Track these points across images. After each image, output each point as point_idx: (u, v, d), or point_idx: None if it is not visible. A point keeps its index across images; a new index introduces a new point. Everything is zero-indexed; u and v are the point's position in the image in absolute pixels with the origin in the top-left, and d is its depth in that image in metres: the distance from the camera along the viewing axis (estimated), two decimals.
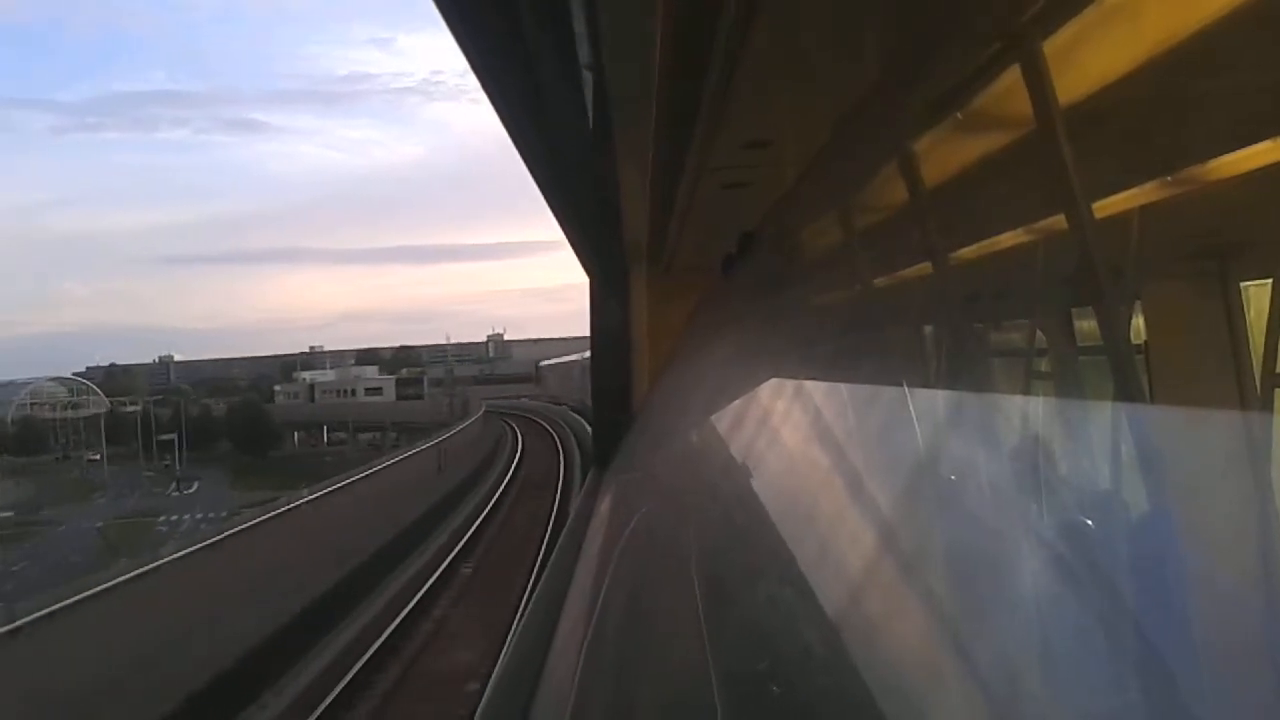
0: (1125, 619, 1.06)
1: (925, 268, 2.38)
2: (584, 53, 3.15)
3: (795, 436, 3.22)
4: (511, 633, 11.37)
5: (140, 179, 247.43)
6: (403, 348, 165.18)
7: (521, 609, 13.84)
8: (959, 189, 2.20)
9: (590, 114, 3.86)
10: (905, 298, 2.73)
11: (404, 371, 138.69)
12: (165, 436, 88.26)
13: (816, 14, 2.62)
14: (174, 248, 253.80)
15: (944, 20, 2.14)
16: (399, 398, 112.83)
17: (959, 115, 2.08)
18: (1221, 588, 0.98)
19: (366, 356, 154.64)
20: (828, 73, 2.97)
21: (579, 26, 2.95)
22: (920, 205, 2.32)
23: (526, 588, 18.65)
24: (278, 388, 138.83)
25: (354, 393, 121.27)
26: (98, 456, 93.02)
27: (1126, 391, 1.25)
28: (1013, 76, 1.62)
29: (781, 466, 3.18)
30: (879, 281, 3.05)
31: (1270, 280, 1.18)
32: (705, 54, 3.13)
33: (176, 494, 70.81)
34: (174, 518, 57.55)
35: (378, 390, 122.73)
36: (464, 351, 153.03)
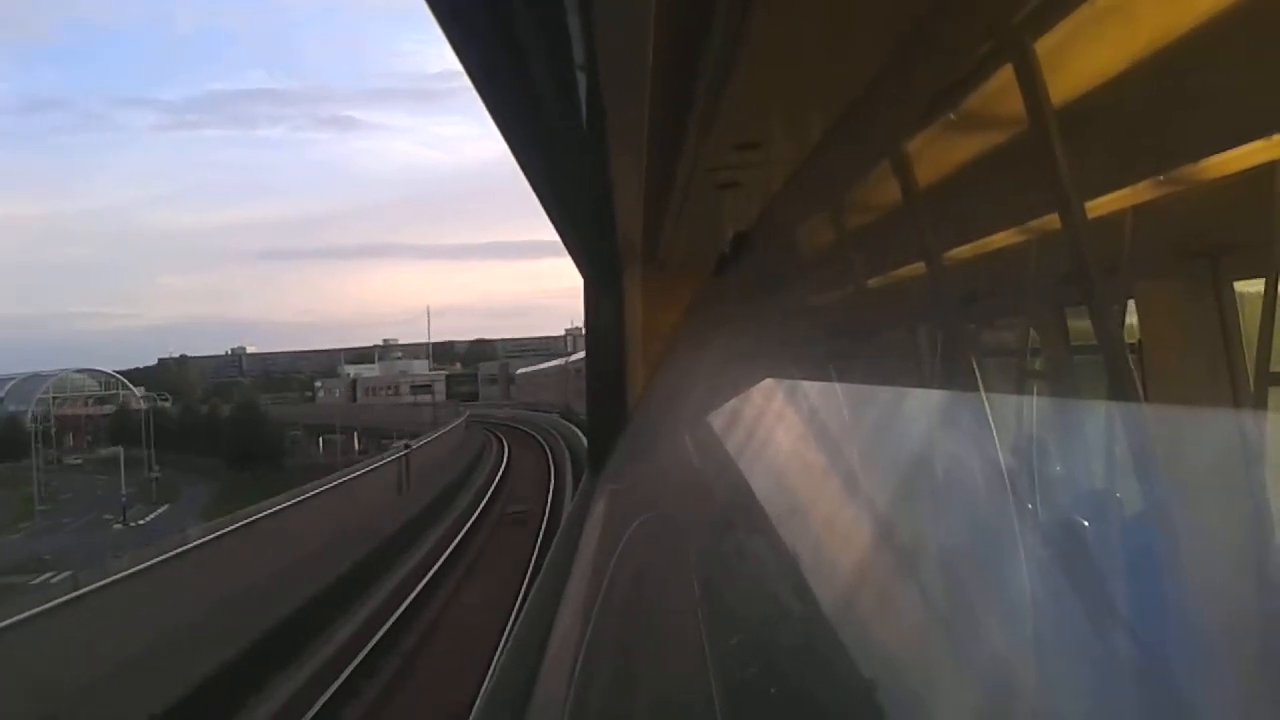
0: (1120, 617, 1.06)
1: (919, 268, 2.38)
2: (578, 52, 3.15)
3: (790, 436, 3.22)
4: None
5: (237, 176, 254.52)
6: (478, 341, 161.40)
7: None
8: (952, 189, 2.20)
9: (584, 114, 3.85)
10: (899, 298, 2.73)
11: (457, 366, 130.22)
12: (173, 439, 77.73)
13: (809, 15, 2.62)
14: (268, 243, 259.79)
15: (937, 20, 2.14)
16: (449, 395, 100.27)
17: (952, 115, 2.08)
18: (1216, 585, 0.98)
19: (441, 350, 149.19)
20: (820, 73, 2.97)
21: (573, 26, 2.94)
22: (913, 205, 2.32)
23: None
24: (318, 384, 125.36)
25: (398, 390, 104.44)
26: (79, 461, 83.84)
27: (1120, 390, 1.25)
28: (1005, 76, 1.62)
29: (777, 466, 3.18)
30: (873, 282, 3.05)
31: (1263, 279, 1.18)
32: (698, 55, 3.13)
33: (120, 526, 51.95)
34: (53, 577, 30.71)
35: (426, 388, 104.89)
36: (543, 345, 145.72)
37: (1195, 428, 1.14)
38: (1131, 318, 1.35)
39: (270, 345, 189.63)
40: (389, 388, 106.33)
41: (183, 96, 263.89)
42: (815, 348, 3.46)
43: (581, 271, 9.32)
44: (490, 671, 7.51)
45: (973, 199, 2.13)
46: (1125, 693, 1.02)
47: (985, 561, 1.45)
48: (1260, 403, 1.14)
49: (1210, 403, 1.19)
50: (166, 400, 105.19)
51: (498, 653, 11.18)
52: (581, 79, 3.38)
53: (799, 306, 4.20)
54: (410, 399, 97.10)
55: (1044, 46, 1.52)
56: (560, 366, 70.57)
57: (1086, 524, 1.21)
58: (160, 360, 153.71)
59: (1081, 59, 1.51)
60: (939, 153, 2.25)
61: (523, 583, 17.15)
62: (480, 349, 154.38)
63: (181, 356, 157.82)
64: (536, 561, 18.40)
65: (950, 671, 1.36)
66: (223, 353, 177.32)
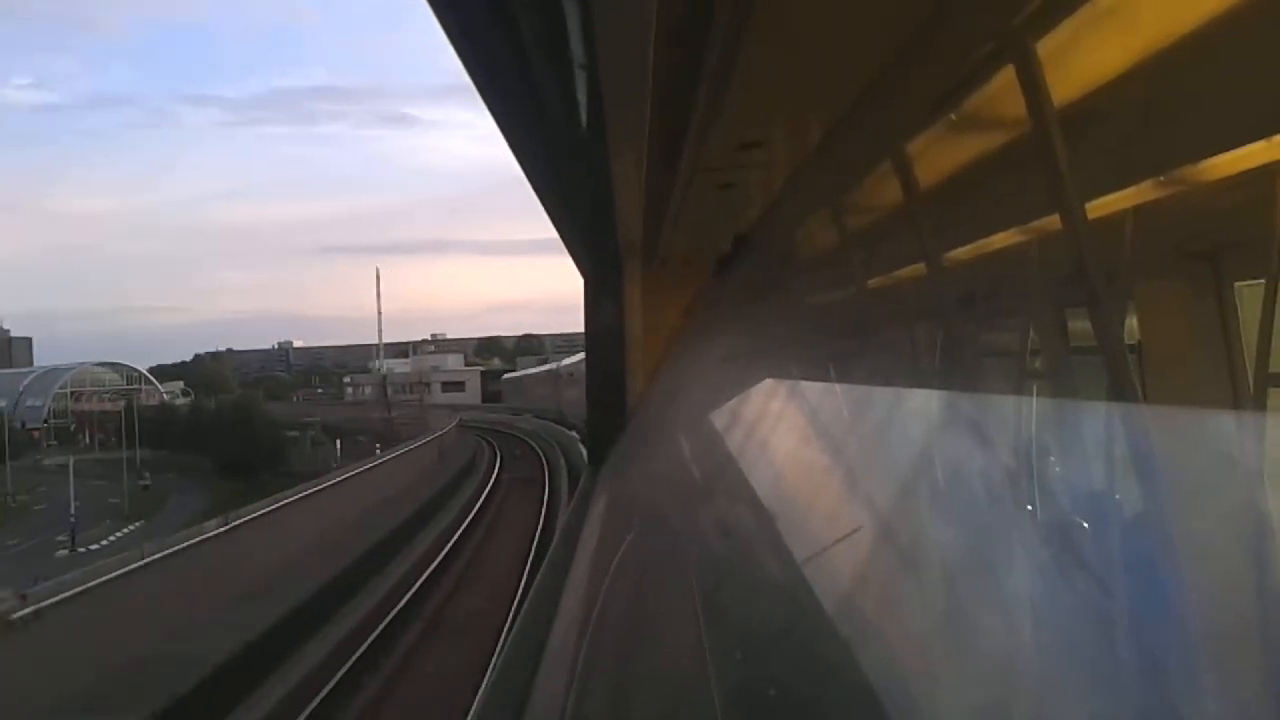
0: (1120, 618, 1.06)
1: (919, 269, 2.38)
2: (578, 52, 3.14)
3: (791, 436, 3.21)
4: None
5: (299, 171, 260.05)
6: (526, 336, 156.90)
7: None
8: (953, 190, 2.20)
9: (584, 114, 3.85)
10: (899, 298, 2.73)
11: (495, 361, 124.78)
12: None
13: (810, 15, 2.62)
14: (327, 238, 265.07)
15: (938, 22, 2.14)
16: (484, 393, 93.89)
17: (953, 116, 2.08)
18: (1216, 587, 0.98)
19: (488, 345, 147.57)
20: (822, 74, 2.97)
21: (573, 25, 2.94)
22: (914, 206, 2.32)
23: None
24: (346, 379, 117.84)
25: (429, 387, 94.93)
26: (70, 460, 74.34)
27: (1120, 391, 1.25)
28: (1006, 78, 1.62)
29: (778, 467, 3.18)
30: (873, 282, 3.05)
31: (1263, 280, 1.18)
32: (699, 55, 3.12)
33: (66, 553, 43.38)
34: None
35: (459, 385, 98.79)
36: None
37: (1196, 429, 1.14)
38: (1132, 319, 1.35)
39: (321, 339, 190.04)
40: (421, 384, 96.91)
41: (247, 93, 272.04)
42: (816, 348, 3.46)
43: (581, 271, 9.33)
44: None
45: (974, 199, 2.13)
46: (1128, 693, 1.02)
47: (987, 563, 1.45)
48: (1260, 404, 1.13)
49: (1210, 404, 1.19)
50: (189, 395, 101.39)
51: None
52: (582, 79, 3.37)
53: (799, 307, 4.20)
54: (438, 397, 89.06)
55: (1045, 48, 1.52)
56: (551, 371, 67.70)
57: (1087, 525, 1.21)
58: (196, 355, 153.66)
59: (1083, 60, 1.51)
60: (940, 153, 2.25)
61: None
62: (528, 343, 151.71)
63: (228, 350, 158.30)
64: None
65: (953, 674, 1.35)
66: (269, 346, 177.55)
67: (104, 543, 45.92)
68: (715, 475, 3.89)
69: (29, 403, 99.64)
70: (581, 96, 3.60)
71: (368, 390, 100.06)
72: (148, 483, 65.82)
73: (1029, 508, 1.34)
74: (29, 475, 71.17)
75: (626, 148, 4.39)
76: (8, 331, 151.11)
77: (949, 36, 2.10)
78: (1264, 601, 0.89)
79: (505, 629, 13.41)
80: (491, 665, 9.23)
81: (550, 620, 4.51)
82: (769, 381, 3.88)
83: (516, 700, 3.61)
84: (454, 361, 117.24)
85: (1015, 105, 1.57)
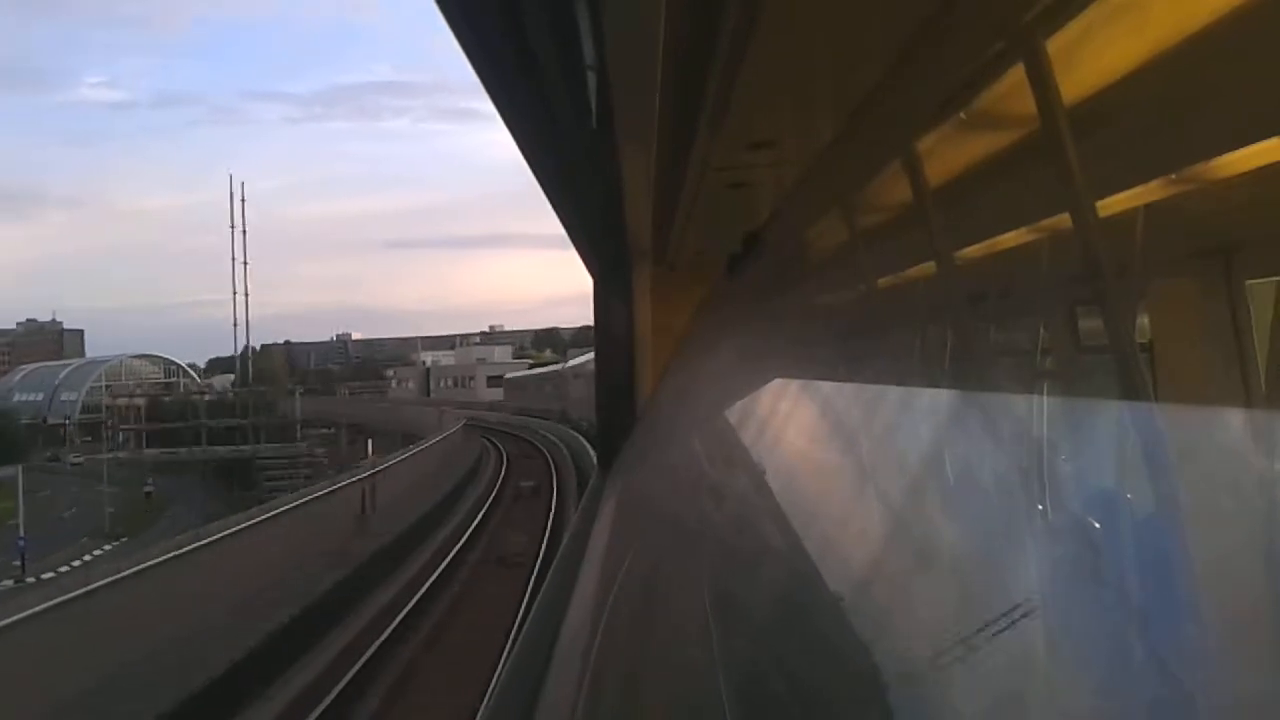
0: (1132, 619, 1.06)
1: (930, 267, 2.37)
2: (587, 53, 3.15)
3: (802, 437, 3.21)
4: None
5: (363, 167, 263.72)
6: (585, 327, 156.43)
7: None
8: (963, 188, 2.19)
9: (594, 114, 3.86)
10: (910, 297, 2.72)
11: (548, 352, 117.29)
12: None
13: (820, 12, 2.61)
14: (393, 233, 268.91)
15: (948, 19, 2.14)
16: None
17: (963, 114, 2.08)
18: (1228, 587, 0.97)
19: (544, 337, 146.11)
20: (831, 72, 2.97)
21: (582, 26, 2.94)
22: (925, 205, 2.31)
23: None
24: (389, 372, 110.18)
25: (472, 381, 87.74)
26: (81, 460, 72.68)
27: (1131, 391, 1.25)
28: (1017, 75, 1.61)
29: (789, 468, 3.17)
30: (884, 281, 3.04)
31: (1276, 279, 1.17)
32: (708, 54, 3.12)
33: (11, 583, 37.33)
34: None
35: (501, 379, 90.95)
36: None
37: (1208, 428, 1.13)
38: (1144, 318, 1.35)
39: (383, 332, 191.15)
40: (466, 378, 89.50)
41: (311, 89, 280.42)
42: (828, 348, 3.45)
43: (591, 271, 9.33)
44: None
45: (984, 198, 2.12)
46: (1138, 692, 1.02)
47: (998, 562, 1.45)
48: (1274, 402, 1.13)
49: (1223, 402, 1.18)
50: (209, 391, 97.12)
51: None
52: (591, 79, 3.38)
53: (811, 306, 4.19)
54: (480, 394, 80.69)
55: (1055, 45, 1.51)
56: (556, 371, 65.71)
57: (1098, 524, 1.20)
58: (244, 348, 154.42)
59: (1094, 57, 1.50)
60: (950, 151, 2.25)
61: None
62: (586, 335, 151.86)
63: (285, 342, 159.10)
64: None
65: (965, 676, 1.35)
66: (328, 338, 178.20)
67: (64, 569, 38.17)
68: (725, 475, 3.89)
69: (64, 397, 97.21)
70: (591, 97, 3.60)
71: (410, 385, 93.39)
72: (151, 489, 59.49)
73: (1040, 507, 1.34)
74: (34, 477, 61.66)
75: (636, 147, 4.39)
76: (60, 324, 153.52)
77: (959, 34, 2.09)
78: (1278, 601, 0.89)
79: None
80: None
81: (560, 620, 4.51)
82: (779, 381, 3.88)
83: (527, 701, 3.61)
84: (501, 354, 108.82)
85: (1026, 103, 1.56)
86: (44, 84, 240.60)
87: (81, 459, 74.28)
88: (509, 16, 2.96)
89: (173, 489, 62.22)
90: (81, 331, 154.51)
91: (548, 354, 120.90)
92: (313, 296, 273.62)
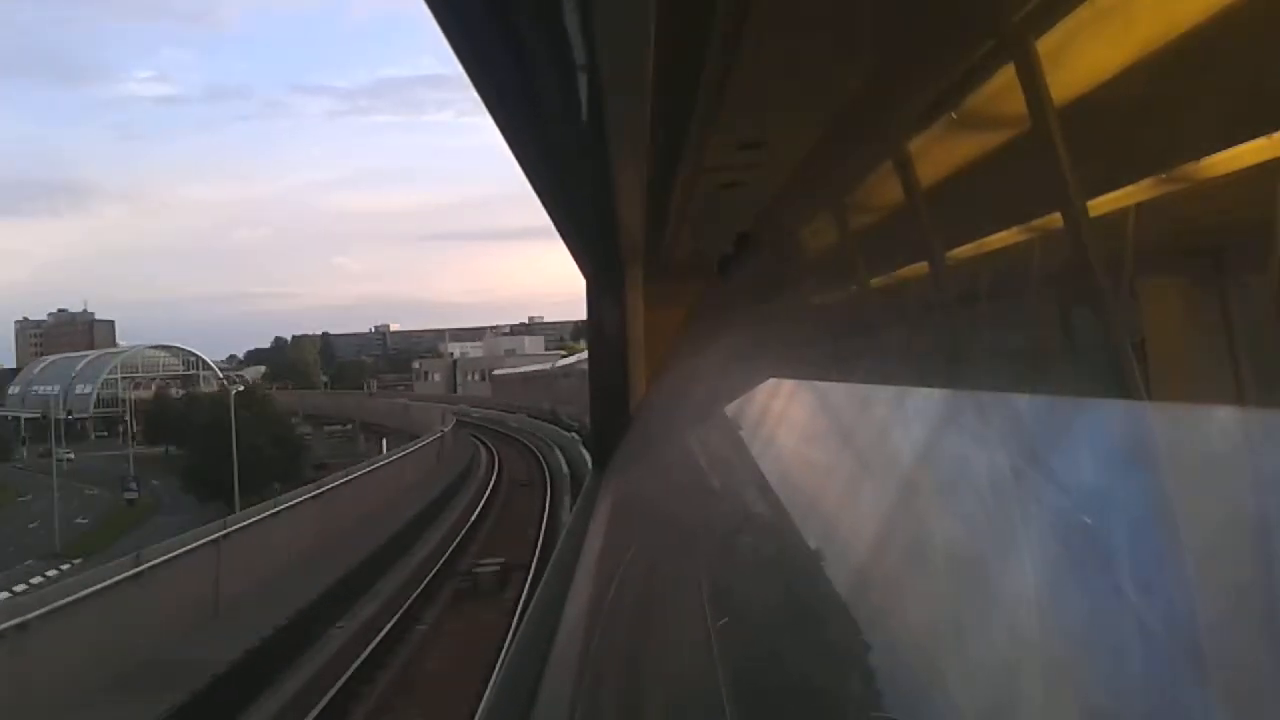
0: (1124, 618, 1.06)
1: (921, 267, 2.38)
2: (578, 53, 3.14)
3: (795, 436, 3.21)
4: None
5: (406, 160, 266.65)
6: None
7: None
8: (954, 188, 2.20)
9: (585, 115, 3.85)
10: (901, 296, 2.73)
11: (582, 343, 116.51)
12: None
13: (810, 14, 2.62)
14: (435, 225, 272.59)
15: (937, 19, 2.14)
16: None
17: (953, 114, 2.08)
18: (1222, 585, 0.98)
19: (581, 328, 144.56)
20: (822, 72, 2.97)
21: (572, 26, 2.94)
22: (915, 204, 2.32)
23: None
24: (416, 364, 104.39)
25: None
26: (71, 456, 67.46)
27: (1123, 389, 1.25)
28: (1007, 75, 1.62)
29: (783, 466, 3.18)
30: (875, 281, 3.05)
31: (1267, 276, 1.17)
32: (699, 54, 3.12)
33: None
34: None
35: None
36: None
37: (1200, 426, 1.14)
38: (1135, 316, 1.35)
39: (423, 324, 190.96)
40: (492, 371, 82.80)
41: (355, 83, 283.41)
42: (820, 347, 3.46)
43: (583, 271, 9.33)
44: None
45: (975, 198, 2.13)
46: (1130, 691, 1.02)
47: (992, 560, 1.45)
48: (1265, 401, 1.13)
49: (1215, 401, 1.18)
50: (228, 384, 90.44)
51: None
52: (582, 80, 3.37)
53: (803, 305, 4.20)
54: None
55: (1045, 45, 1.52)
56: (545, 370, 63.64)
57: (1091, 523, 1.21)
58: (276, 339, 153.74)
59: (1083, 57, 1.51)
60: (941, 151, 2.25)
61: None
62: None
63: (322, 334, 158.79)
64: None
65: (961, 673, 1.36)
66: (367, 330, 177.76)
67: None
68: (721, 474, 3.89)
69: (79, 389, 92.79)
70: (582, 98, 3.60)
71: (436, 378, 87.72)
72: (134, 494, 52.08)
73: (1033, 505, 1.34)
74: (21, 476, 57.51)
75: (627, 148, 4.39)
76: (91, 315, 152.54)
77: (949, 33, 2.10)
78: (1271, 601, 0.89)
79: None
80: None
81: (557, 620, 4.51)
82: (772, 380, 3.88)
83: (524, 699, 3.61)
84: (533, 345, 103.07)
85: (1016, 102, 1.57)
86: (94, 78, 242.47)
87: (72, 454, 68.32)
88: (498, 16, 2.95)
89: (173, 489, 55.30)
90: (112, 322, 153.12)
91: (581, 344, 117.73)
92: (353, 288, 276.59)
